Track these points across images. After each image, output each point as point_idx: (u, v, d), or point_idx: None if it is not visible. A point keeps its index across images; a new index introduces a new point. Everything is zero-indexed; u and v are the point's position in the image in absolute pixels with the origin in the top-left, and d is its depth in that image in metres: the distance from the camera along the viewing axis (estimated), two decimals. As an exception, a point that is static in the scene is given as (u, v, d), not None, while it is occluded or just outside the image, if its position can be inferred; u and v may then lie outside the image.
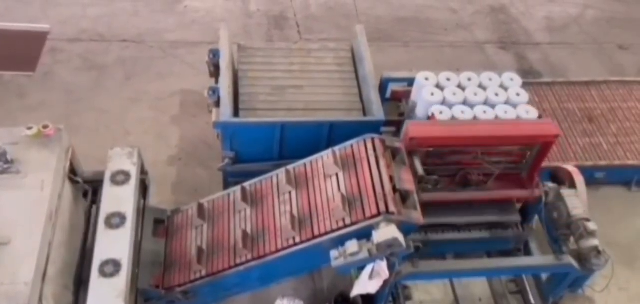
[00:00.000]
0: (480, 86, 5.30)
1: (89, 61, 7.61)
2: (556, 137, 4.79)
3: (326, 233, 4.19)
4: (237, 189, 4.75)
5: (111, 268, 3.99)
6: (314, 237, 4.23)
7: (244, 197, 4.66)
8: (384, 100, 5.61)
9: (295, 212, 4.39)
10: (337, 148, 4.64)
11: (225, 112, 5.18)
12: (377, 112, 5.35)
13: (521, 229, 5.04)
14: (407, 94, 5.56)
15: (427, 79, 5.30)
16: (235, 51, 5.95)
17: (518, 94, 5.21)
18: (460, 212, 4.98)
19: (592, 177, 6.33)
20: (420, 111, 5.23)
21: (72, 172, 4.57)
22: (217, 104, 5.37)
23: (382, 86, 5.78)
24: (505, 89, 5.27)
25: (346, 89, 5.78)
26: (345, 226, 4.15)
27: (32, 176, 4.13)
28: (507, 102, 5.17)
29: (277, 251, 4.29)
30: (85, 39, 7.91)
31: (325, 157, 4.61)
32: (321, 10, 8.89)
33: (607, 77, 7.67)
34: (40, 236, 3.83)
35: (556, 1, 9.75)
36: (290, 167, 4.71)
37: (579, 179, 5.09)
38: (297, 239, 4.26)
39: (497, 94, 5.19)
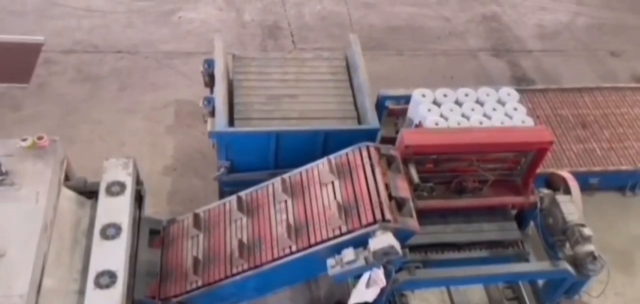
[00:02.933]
0: (477, 102, 5.33)
1: (84, 72, 7.61)
2: (550, 144, 4.82)
3: (322, 241, 4.18)
4: (233, 198, 4.74)
5: (107, 279, 3.96)
6: (310, 245, 4.22)
7: (240, 207, 4.65)
8: (380, 117, 5.62)
9: (291, 221, 4.39)
10: (332, 156, 4.65)
11: (220, 122, 5.19)
12: (372, 120, 5.37)
13: (522, 248, 5.03)
14: (404, 112, 5.58)
15: (423, 95, 5.33)
16: (230, 61, 5.96)
17: (515, 109, 5.25)
18: (459, 229, 4.97)
19: (586, 183, 6.37)
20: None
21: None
22: (212, 113, 5.38)
23: (379, 103, 5.80)
24: (503, 104, 5.31)
25: (341, 98, 5.80)
26: (341, 234, 4.15)
27: (26, 188, 4.10)
28: (505, 116, 5.21)
29: (274, 260, 4.28)
30: (80, 50, 7.91)
31: (321, 166, 4.61)
32: (315, 20, 8.94)
33: (599, 84, 7.75)
34: (35, 248, 3.80)
35: (547, 9, 9.85)
36: (285, 176, 4.70)
37: (573, 184, 5.11)
38: (294, 248, 4.25)
39: (494, 109, 5.23)
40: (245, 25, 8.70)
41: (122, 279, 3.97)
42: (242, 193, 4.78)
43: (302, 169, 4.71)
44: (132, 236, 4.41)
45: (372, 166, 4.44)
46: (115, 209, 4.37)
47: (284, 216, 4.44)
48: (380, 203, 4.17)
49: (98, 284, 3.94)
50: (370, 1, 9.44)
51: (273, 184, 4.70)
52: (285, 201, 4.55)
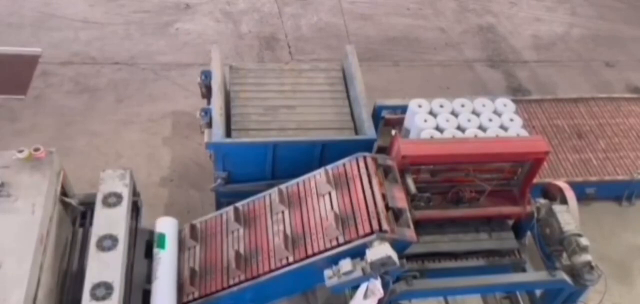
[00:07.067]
0: (474, 112, 5.35)
1: (81, 84, 7.61)
2: (547, 154, 4.84)
3: (320, 252, 4.18)
4: (230, 209, 4.74)
5: (103, 290, 3.94)
6: (308, 256, 4.21)
7: (237, 218, 4.64)
8: (377, 126, 5.64)
9: (288, 231, 4.39)
10: (329, 167, 4.65)
11: (217, 133, 5.19)
12: (369, 130, 5.39)
13: (519, 257, 5.04)
14: (400, 121, 5.60)
15: (420, 105, 5.35)
16: (227, 72, 5.97)
17: (511, 120, 5.27)
18: (456, 238, 4.96)
19: (583, 193, 6.39)
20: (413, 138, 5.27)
21: (64, 195, 4.54)
22: (209, 124, 5.38)
23: (376, 113, 5.82)
24: (499, 115, 5.32)
25: (338, 108, 5.81)
26: (339, 245, 4.15)
27: (23, 200, 4.10)
28: (500, 128, 5.22)
29: (271, 271, 4.27)
30: (77, 62, 7.92)
31: (318, 176, 4.62)
32: (312, 31, 8.98)
33: (594, 94, 7.80)
34: (31, 260, 3.79)
35: (542, 20, 9.93)
36: (282, 186, 4.70)
37: (570, 194, 5.12)
38: (291, 259, 4.24)
39: (490, 120, 5.24)
40: (242, 36, 8.74)
41: (118, 291, 3.95)
42: (239, 204, 4.78)
43: (299, 179, 4.71)
44: (128, 248, 4.40)
45: (369, 176, 4.45)
46: (112, 221, 4.36)
47: (281, 227, 4.44)
48: (377, 214, 4.18)
49: (94, 296, 3.92)
50: (366, 13, 9.50)
51: (270, 195, 4.70)
52: (282, 212, 4.54)
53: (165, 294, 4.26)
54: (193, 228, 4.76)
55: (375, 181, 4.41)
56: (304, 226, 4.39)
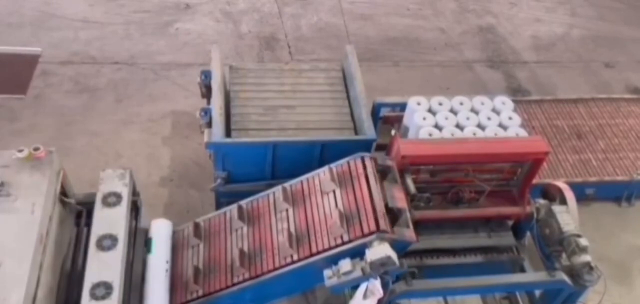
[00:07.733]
0: (472, 110, 5.35)
1: (81, 84, 7.61)
2: (546, 154, 4.84)
3: (324, 250, 4.18)
4: (234, 207, 4.74)
5: (102, 290, 3.94)
6: (312, 254, 4.21)
7: (241, 216, 4.64)
8: (376, 124, 5.64)
9: (292, 229, 4.39)
10: (333, 165, 4.66)
11: (217, 133, 5.19)
12: (369, 130, 5.39)
13: (517, 253, 5.05)
14: (399, 119, 5.60)
15: (418, 103, 5.35)
16: (227, 72, 5.98)
17: (510, 118, 5.27)
18: (455, 237, 4.98)
19: (582, 194, 6.39)
20: (412, 136, 5.28)
21: (63, 195, 4.54)
22: (209, 124, 5.39)
23: (375, 111, 5.82)
24: (498, 113, 5.33)
25: (337, 109, 5.82)
26: (343, 243, 4.15)
27: (22, 199, 4.09)
28: (499, 126, 5.23)
29: (275, 269, 4.27)
30: (77, 61, 7.92)
31: (322, 174, 4.62)
32: (312, 31, 8.98)
33: (594, 95, 7.80)
34: (30, 260, 3.79)
35: (542, 20, 9.93)
36: (286, 184, 4.71)
37: (569, 195, 5.13)
38: (295, 257, 4.24)
39: (489, 118, 5.24)
40: (242, 36, 8.74)
41: (118, 290, 3.95)
42: (243, 202, 4.78)
43: (303, 177, 4.71)
44: (128, 247, 4.40)
45: (373, 175, 4.45)
46: (112, 220, 4.36)
47: (285, 225, 4.44)
48: (378, 213, 4.18)
49: (94, 296, 3.92)
50: (366, 13, 9.50)
51: (274, 193, 4.70)
52: (286, 210, 4.55)
53: (154, 297, 4.28)
54: (197, 226, 4.76)
55: (375, 181, 4.41)
56: (309, 224, 4.39)
